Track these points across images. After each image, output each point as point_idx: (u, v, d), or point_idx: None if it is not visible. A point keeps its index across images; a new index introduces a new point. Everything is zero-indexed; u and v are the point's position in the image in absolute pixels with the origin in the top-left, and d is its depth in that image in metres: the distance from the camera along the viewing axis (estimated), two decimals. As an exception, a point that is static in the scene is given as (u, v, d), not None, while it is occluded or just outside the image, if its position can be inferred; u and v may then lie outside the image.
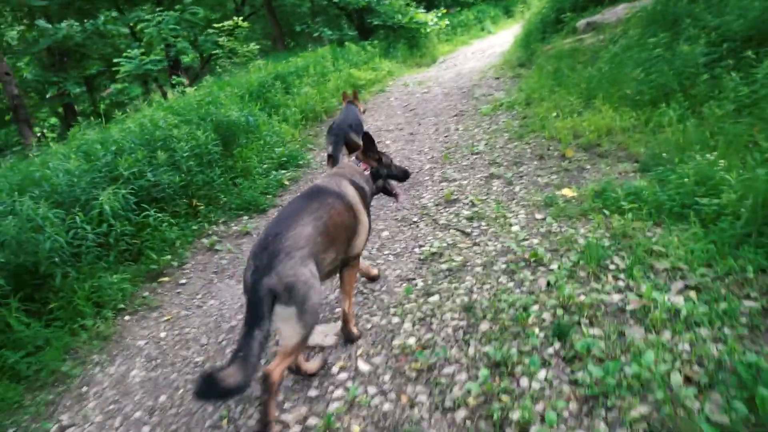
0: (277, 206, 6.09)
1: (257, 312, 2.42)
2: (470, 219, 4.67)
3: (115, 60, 15.63)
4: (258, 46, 15.32)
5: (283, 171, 7.08)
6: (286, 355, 2.59)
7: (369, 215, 3.27)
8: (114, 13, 17.02)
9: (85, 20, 16.96)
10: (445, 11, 17.98)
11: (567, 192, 4.76)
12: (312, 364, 3.10)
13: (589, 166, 5.26)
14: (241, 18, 15.29)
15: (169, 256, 5.00)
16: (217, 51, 14.85)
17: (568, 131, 6.19)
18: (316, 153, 8.00)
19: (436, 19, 16.98)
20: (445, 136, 7.35)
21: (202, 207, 5.93)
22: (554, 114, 7.00)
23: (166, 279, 4.83)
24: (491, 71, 12.03)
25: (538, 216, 4.43)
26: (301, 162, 7.41)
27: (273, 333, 3.19)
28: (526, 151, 6.06)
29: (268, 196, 6.33)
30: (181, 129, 6.14)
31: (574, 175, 5.14)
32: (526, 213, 4.54)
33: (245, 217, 5.92)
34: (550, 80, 8.43)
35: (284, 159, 7.36)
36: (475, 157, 6.28)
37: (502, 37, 19.23)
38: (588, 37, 11.12)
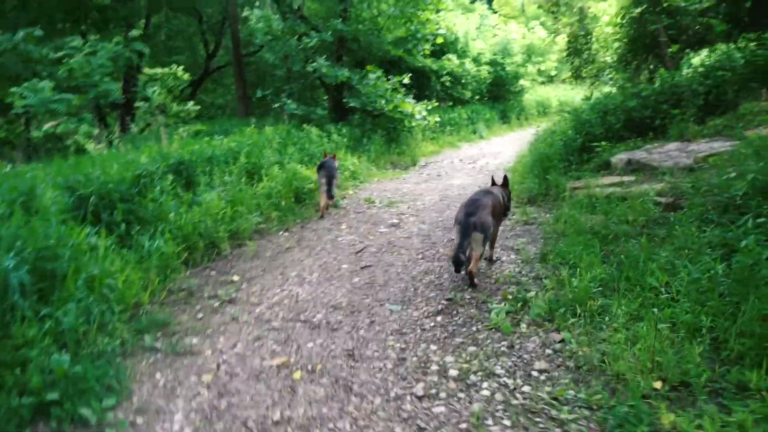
0: None
1: (467, 232, 4.46)
2: None
3: (11, 90, 11.53)
4: (197, 107, 11.35)
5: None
6: (476, 259, 4.70)
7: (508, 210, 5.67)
8: (37, 32, 12.83)
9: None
10: (436, 104, 14.43)
11: None
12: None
13: None
14: (180, 68, 11.32)
15: None
16: (139, 104, 10.81)
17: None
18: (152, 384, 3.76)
19: (425, 113, 13.36)
20: (417, 398, 3.23)
21: None
22: (654, 383, 3.06)
23: None
24: (491, 202, 8.19)
25: None
26: None
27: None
28: None
29: None
30: None
31: None
32: None
33: None
34: (605, 266, 4.57)
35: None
36: None
37: (495, 146, 15.74)
38: (633, 181, 7.53)
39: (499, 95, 19.41)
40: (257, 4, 13.80)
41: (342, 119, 13.29)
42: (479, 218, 4.53)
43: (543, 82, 22.41)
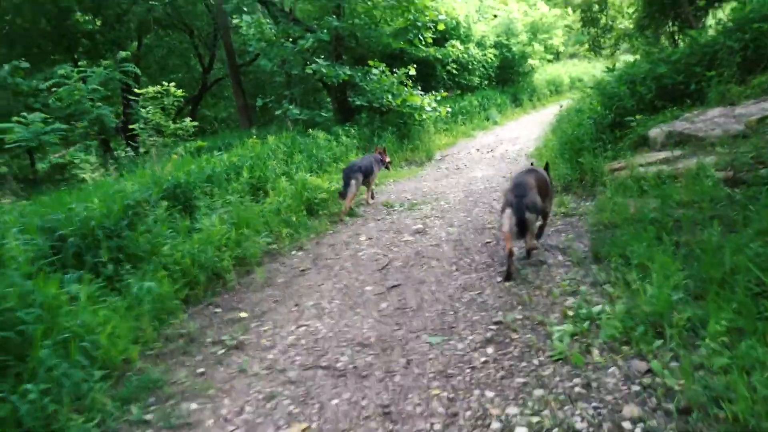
0: None
1: (522, 213, 4.38)
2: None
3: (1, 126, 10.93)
4: (194, 123, 10.66)
5: None
6: (531, 236, 4.63)
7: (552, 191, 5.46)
8: (24, 64, 12.23)
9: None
10: (444, 94, 13.59)
11: None
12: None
13: None
14: (172, 84, 10.60)
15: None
16: (134, 126, 10.13)
17: None
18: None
19: (435, 104, 12.53)
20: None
21: None
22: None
23: None
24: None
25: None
26: None
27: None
28: None
29: None
30: None
31: None
32: None
33: None
34: (676, 263, 3.74)
35: None
36: None
37: (511, 131, 14.85)
38: (680, 156, 6.68)
39: (507, 78, 18.46)
40: (246, 9, 12.98)
41: (349, 120, 12.52)
42: (530, 198, 4.54)
43: (551, 60, 21.39)
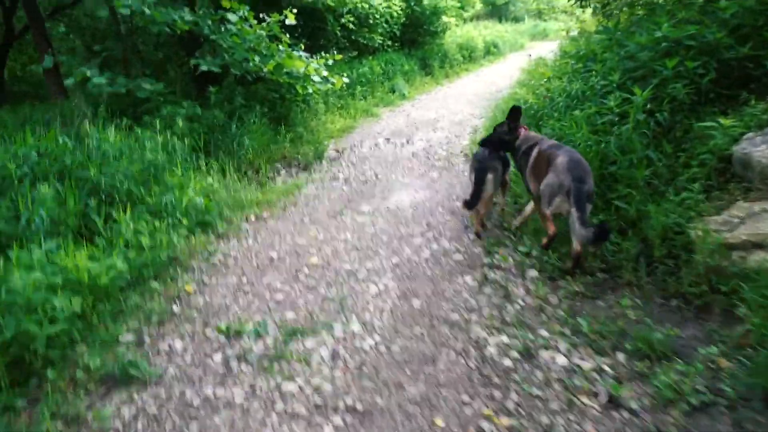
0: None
1: (581, 202, 3.26)
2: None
3: None
4: None
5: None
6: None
7: None
8: None
9: None
10: (338, 57, 9.14)
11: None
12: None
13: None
14: None
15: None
16: None
17: None
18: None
19: (325, 72, 8.11)
20: None
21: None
22: None
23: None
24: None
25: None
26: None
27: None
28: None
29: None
30: None
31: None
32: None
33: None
34: None
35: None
36: None
37: (426, 109, 10.80)
38: None
39: (415, 39, 14.21)
40: None
41: (202, 92, 7.80)
42: (591, 187, 3.39)
43: (467, 19, 17.45)
